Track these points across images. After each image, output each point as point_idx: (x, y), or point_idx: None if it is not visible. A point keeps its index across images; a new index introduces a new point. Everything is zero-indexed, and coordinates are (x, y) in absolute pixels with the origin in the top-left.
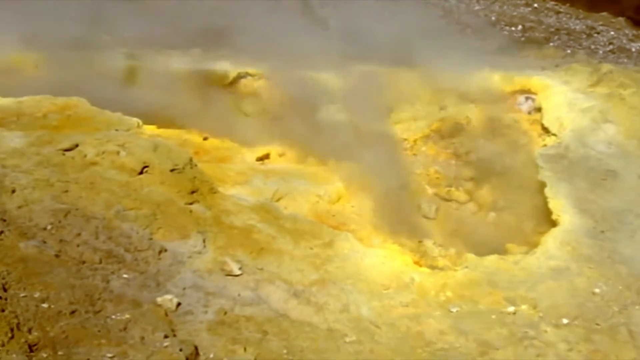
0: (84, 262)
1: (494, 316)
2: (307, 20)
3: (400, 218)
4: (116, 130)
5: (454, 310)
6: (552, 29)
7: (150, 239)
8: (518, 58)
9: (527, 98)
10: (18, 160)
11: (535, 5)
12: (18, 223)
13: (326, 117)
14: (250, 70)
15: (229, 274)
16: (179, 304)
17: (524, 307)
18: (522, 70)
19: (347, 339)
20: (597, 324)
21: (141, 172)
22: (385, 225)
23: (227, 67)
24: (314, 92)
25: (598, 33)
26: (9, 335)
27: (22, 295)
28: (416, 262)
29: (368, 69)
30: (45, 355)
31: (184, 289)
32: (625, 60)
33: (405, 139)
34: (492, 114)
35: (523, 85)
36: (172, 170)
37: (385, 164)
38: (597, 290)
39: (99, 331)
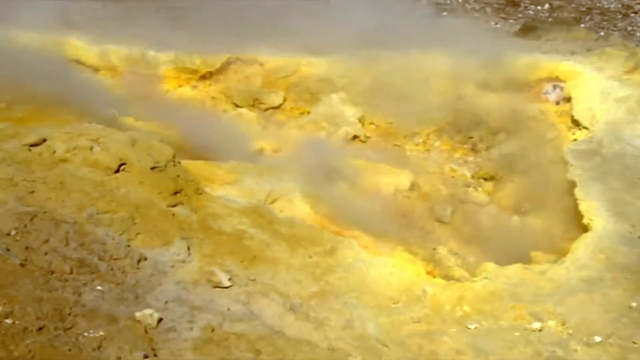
0: (52, 272)
1: (517, 333)
2: None
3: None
4: (89, 122)
5: (472, 326)
6: (584, 8)
7: (128, 246)
8: (544, 41)
9: (554, 86)
10: None
11: None
12: None
13: None
14: None
15: (217, 286)
16: (160, 320)
17: (551, 323)
18: (549, 54)
19: (351, 359)
20: (634, 342)
21: (117, 171)
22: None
23: None
24: None
25: (635, 13)
26: None
27: None
28: (429, 273)
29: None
30: None
31: (166, 302)
32: None
33: (417, 133)
34: (515, 104)
35: (550, 72)
36: (152, 168)
37: None
38: (634, 305)
39: (69, 350)
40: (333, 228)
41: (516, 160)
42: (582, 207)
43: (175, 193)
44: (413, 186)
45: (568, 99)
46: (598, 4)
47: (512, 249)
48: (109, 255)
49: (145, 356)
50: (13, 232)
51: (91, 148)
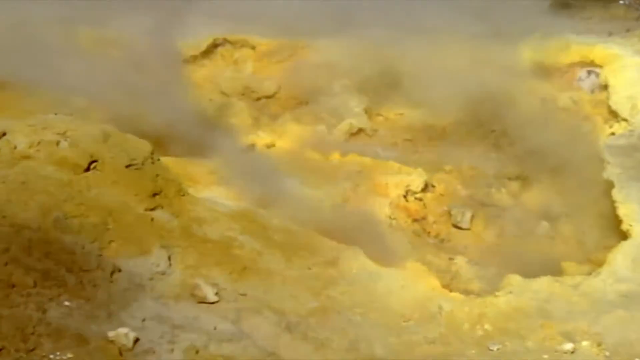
0: (13, 286)
1: (546, 356)
2: None
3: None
4: (55, 114)
5: (495, 348)
6: None
7: (100, 255)
8: (578, 20)
9: (589, 72)
10: None
11: None
12: None
13: None
14: None
15: (202, 301)
16: (136, 340)
17: (585, 344)
18: (583, 35)
19: None
20: None
21: (88, 169)
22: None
23: None
24: None
25: None
26: None
27: None
28: (445, 286)
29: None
30: None
31: (144, 320)
32: None
33: (431, 125)
34: (544, 92)
35: (584, 56)
36: (128, 167)
37: None
38: None
39: None
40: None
41: (545, 157)
42: (621, 210)
43: (154, 195)
44: (427, 186)
45: (604, 87)
46: None
47: (541, 259)
48: (78, 267)
49: None
50: None
51: (58, 143)
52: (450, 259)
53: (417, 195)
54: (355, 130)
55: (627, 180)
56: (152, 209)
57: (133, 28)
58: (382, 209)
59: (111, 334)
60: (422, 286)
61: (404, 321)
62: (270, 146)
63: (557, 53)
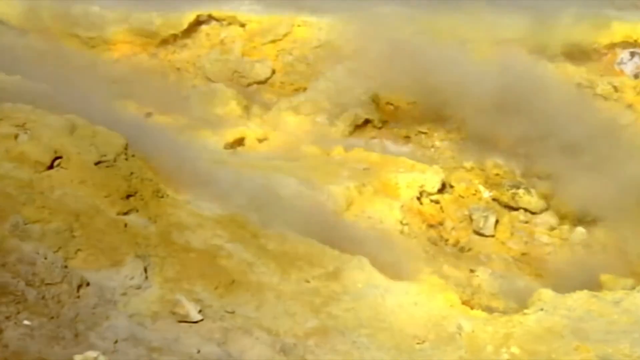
0: None
1: None
2: None
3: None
4: (13, 103)
5: None
6: None
7: (65, 266)
8: None
9: (632, 54)
10: None
11: None
12: None
13: None
14: None
15: (184, 320)
16: None
17: None
18: (626, 11)
19: None
20: None
21: (51, 166)
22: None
23: None
24: None
25: None
26: None
27: None
28: (466, 302)
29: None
30: None
31: (116, 342)
32: None
33: (450, 115)
34: (580, 77)
35: (626, 35)
36: (97, 164)
37: None
38: None
39: None
40: None
41: (581, 153)
42: None
43: (128, 196)
44: (444, 187)
45: None
46: None
47: (576, 270)
48: (40, 280)
49: None
50: None
51: (16, 136)
52: (471, 270)
53: (433, 197)
54: (361, 121)
55: None
56: (126, 213)
57: None
58: (392, 212)
59: (78, 358)
60: (439, 302)
61: (418, 343)
62: (262, 140)
63: (595, 32)
